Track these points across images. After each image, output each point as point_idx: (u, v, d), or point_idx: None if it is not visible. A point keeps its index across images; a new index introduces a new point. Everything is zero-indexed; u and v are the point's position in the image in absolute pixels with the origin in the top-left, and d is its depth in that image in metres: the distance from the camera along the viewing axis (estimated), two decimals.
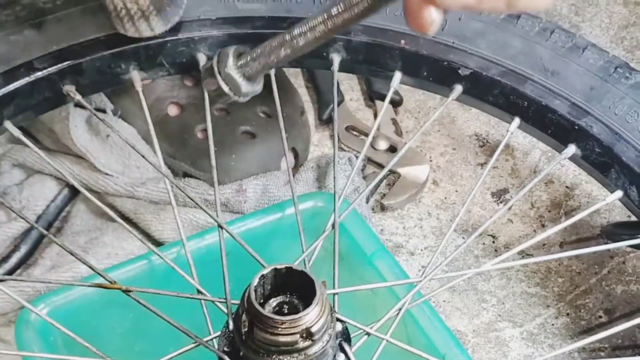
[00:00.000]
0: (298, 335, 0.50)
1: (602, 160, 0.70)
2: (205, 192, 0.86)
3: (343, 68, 0.76)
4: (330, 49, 0.75)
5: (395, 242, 0.90)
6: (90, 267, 0.59)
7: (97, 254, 0.82)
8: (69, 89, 0.73)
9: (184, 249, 0.66)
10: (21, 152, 0.88)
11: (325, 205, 0.75)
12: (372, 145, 0.95)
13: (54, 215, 0.89)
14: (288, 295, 0.54)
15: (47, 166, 0.87)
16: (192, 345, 0.59)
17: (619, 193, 0.69)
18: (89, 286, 0.62)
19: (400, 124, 0.99)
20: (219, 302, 0.61)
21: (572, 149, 0.71)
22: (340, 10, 0.55)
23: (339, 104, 0.99)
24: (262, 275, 0.52)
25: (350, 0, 0.54)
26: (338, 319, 0.56)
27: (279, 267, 0.52)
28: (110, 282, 0.59)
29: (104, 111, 0.89)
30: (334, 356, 0.55)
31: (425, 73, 0.74)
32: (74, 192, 0.90)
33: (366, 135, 0.97)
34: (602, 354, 0.82)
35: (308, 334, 0.51)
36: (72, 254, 0.60)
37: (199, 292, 0.63)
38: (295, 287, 0.53)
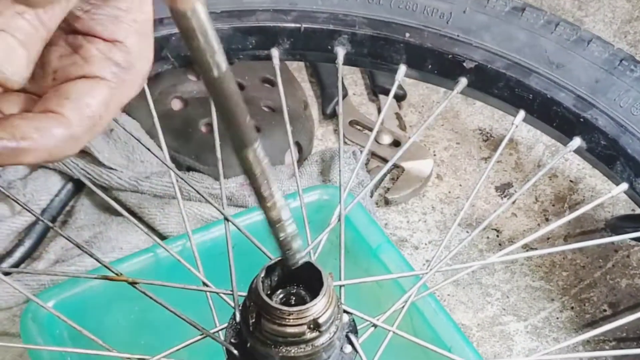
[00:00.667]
0: (305, 327, 0.50)
1: (607, 153, 0.70)
2: (210, 186, 0.86)
3: (348, 61, 0.76)
4: (335, 42, 0.75)
5: (399, 236, 0.90)
6: (97, 259, 0.59)
7: (102, 248, 0.82)
8: None
9: (190, 241, 0.66)
10: None
11: (330, 198, 0.75)
12: (376, 140, 0.95)
13: (58, 210, 0.89)
14: (295, 287, 0.54)
15: None
16: (199, 337, 0.59)
17: (624, 185, 0.69)
18: (95, 278, 0.61)
19: (404, 118, 0.99)
20: (225, 294, 0.61)
21: (577, 141, 0.71)
22: None
23: (343, 98, 0.99)
24: (269, 267, 0.52)
25: None
26: (345, 311, 0.56)
27: None
28: (116, 274, 0.59)
29: None
30: (341, 347, 0.55)
31: (430, 66, 0.74)
32: (78, 187, 0.90)
33: (370, 129, 0.97)
34: (607, 347, 0.82)
35: (315, 325, 0.51)
36: (78, 246, 0.59)
37: (204, 284, 0.63)
38: (302, 279, 0.53)
